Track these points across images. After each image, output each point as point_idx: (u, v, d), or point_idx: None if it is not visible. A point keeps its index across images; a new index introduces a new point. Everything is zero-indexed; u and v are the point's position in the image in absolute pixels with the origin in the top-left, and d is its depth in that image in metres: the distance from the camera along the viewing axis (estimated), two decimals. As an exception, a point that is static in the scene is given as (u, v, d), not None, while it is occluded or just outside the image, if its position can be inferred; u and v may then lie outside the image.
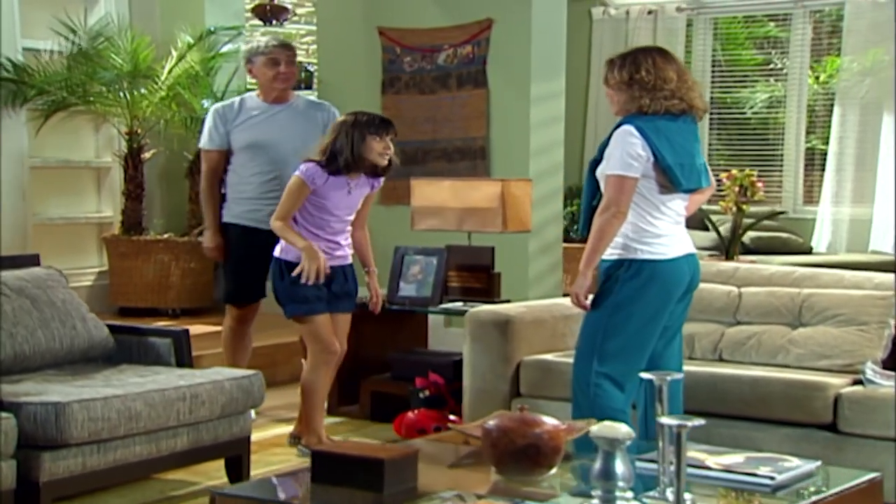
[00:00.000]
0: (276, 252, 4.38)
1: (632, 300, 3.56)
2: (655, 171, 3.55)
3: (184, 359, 4.06)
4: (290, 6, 7.46)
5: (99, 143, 7.23)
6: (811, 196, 8.55)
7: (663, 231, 3.58)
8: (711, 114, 8.85)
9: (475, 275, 5.13)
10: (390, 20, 6.72)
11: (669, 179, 3.55)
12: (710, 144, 8.87)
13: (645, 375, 2.68)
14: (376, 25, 6.76)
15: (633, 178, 3.51)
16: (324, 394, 4.42)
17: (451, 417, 4.49)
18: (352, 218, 4.41)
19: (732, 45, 9.07)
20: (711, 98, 8.85)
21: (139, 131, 6.87)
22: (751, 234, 7.51)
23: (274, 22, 7.42)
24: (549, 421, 2.77)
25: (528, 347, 4.30)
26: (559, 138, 6.54)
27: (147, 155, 6.96)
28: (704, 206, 4.82)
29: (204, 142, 5.03)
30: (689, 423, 2.50)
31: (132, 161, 6.87)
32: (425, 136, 6.67)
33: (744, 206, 5.01)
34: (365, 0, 6.82)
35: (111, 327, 4.15)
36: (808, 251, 7.98)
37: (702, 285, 4.34)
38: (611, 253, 3.60)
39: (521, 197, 5.10)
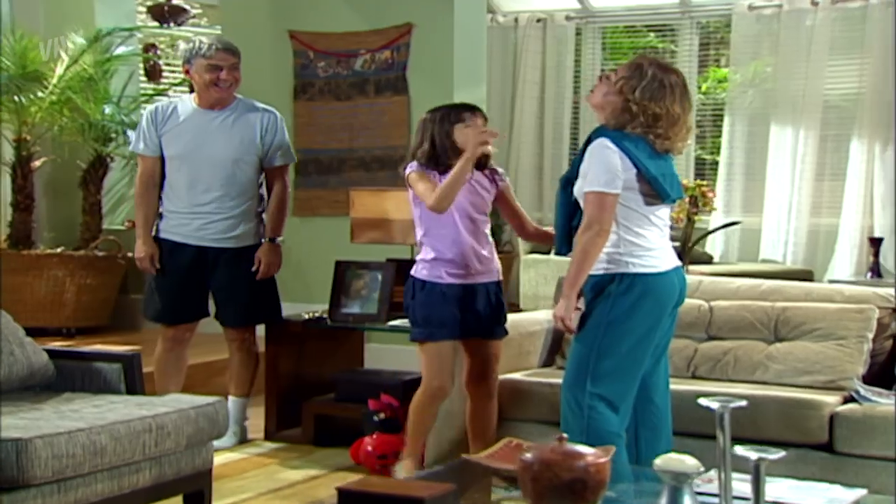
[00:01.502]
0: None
1: (626, 317, 3.39)
2: (639, 182, 3.41)
3: (136, 385, 3.70)
4: (188, 7, 7.08)
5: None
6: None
7: (654, 244, 3.45)
8: (601, 124, 8.87)
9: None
10: (302, 23, 6.44)
11: (655, 190, 3.42)
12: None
13: (703, 402, 2.52)
14: (287, 28, 6.48)
15: (614, 195, 3.36)
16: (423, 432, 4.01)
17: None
18: (482, 219, 3.96)
19: (619, 55, 9.12)
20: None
21: (28, 138, 6.38)
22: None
23: (172, 24, 7.03)
24: (588, 451, 2.58)
25: (502, 366, 4.10)
26: (481, 148, 6.37)
27: (37, 163, 6.48)
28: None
29: (133, 145, 4.70)
30: (770, 456, 2.35)
31: (21, 170, 6.38)
32: (341, 144, 6.43)
33: (695, 217, 4.96)
34: (274, 2, 6.52)
35: (50, 352, 3.76)
36: (709, 261, 8.06)
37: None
38: (598, 267, 3.44)
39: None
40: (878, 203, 7.64)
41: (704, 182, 5.22)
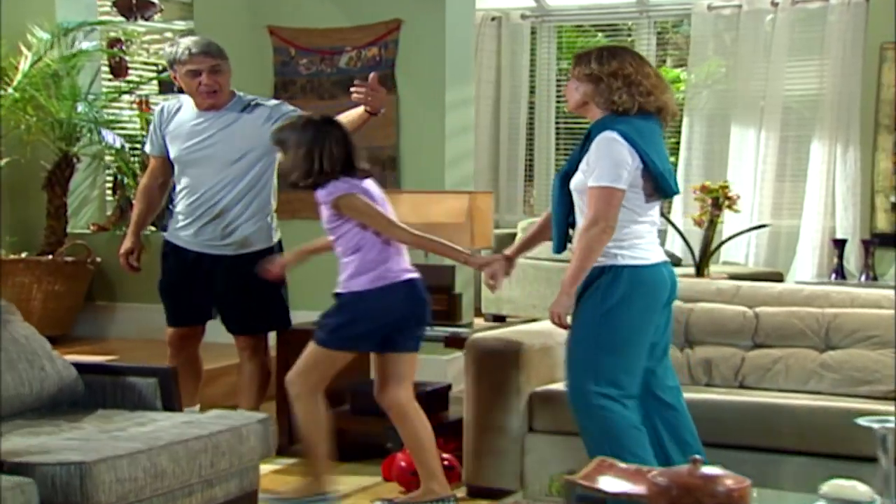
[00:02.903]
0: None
1: (619, 307, 3.32)
2: (644, 178, 3.34)
3: (172, 401, 3.45)
4: (156, 1, 6.76)
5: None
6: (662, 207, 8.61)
7: (643, 237, 3.38)
8: (557, 124, 8.81)
9: (435, 297, 4.69)
10: (283, 19, 6.19)
11: (657, 186, 3.35)
12: (558, 154, 8.81)
13: (861, 422, 2.38)
14: (266, 24, 6.21)
15: (622, 190, 3.29)
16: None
17: (445, 456, 4.04)
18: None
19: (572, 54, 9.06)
20: (557, 108, 8.80)
21: (-9, 137, 6.03)
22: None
23: (138, 18, 6.70)
24: (724, 474, 2.43)
25: (537, 378, 3.94)
26: (470, 148, 6.21)
27: (0, 163, 6.11)
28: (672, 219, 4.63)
29: (145, 144, 4.45)
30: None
31: (-16, 171, 6.02)
32: (325, 144, 6.17)
33: (717, 220, 4.87)
34: (252, -5, 6.26)
35: (78, 366, 3.48)
36: (678, 263, 8.02)
37: (711, 305, 4.17)
38: (598, 259, 3.36)
39: (486, 211, 4.74)
40: (839, 204, 7.69)
41: (728, 182, 5.12)
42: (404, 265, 3.82)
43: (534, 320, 4.90)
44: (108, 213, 6.86)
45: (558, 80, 8.78)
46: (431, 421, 4.27)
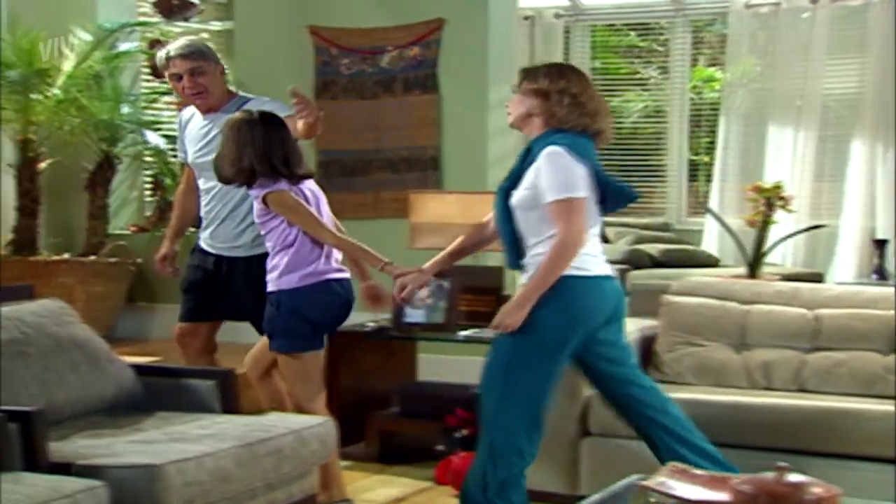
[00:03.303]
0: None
1: (548, 316, 3.24)
2: (589, 188, 3.31)
3: (232, 404, 3.43)
4: (197, 2, 6.75)
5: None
6: (695, 207, 8.56)
7: (586, 248, 3.31)
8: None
9: (482, 298, 4.68)
10: (324, 18, 6.17)
11: (603, 198, 3.33)
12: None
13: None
14: (307, 24, 6.19)
15: (583, 197, 3.26)
16: None
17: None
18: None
19: (609, 53, 9.00)
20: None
21: (34, 139, 6.01)
22: (659, 246, 7.41)
23: (179, 19, 6.69)
24: (813, 481, 2.38)
25: (591, 381, 3.90)
26: (512, 148, 6.16)
27: (43, 165, 6.11)
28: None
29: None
30: None
31: (26, 172, 6.00)
32: (367, 144, 6.16)
33: (771, 220, 4.82)
34: (293, -5, 6.25)
35: (137, 368, 3.46)
36: (715, 264, 7.96)
37: (769, 307, 4.11)
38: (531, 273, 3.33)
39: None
40: (880, 204, 7.61)
41: (782, 183, 5.05)
42: (334, 264, 3.82)
43: None
44: (148, 213, 6.86)
45: (592, 80, 8.72)
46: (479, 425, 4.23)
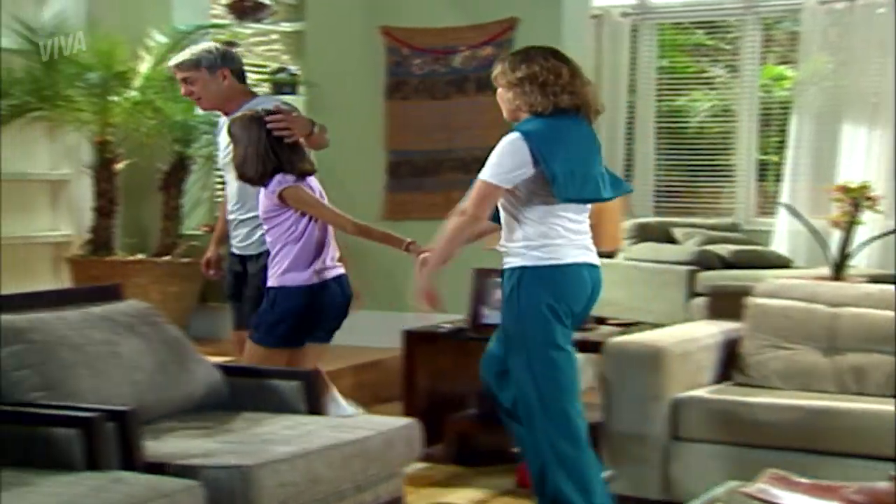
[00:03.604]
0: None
1: (531, 308, 3.40)
2: (543, 179, 3.39)
3: (315, 405, 3.43)
4: (270, 3, 6.78)
5: (55, 154, 6.39)
6: (764, 207, 8.44)
7: (558, 237, 3.44)
8: (658, 124, 8.68)
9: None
10: (396, 19, 6.17)
11: (552, 189, 3.38)
12: (657, 155, 8.68)
13: None
14: (379, 24, 6.20)
15: (501, 189, 3.40)
16: None
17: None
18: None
19: (677, 52, 8.91)
20: (657, 107, 8.68)
21: (111, 140, 6.07)
22: (729, 247, 7.30)
23: (251, 20, 6.73)
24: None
25: (677, 383, 3.85)
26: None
27: (120, 166, 6.17)
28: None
29: None
30: None
31: (104, 173, 6.06)
32: (438, 144, 6.15)
33: (857, 221, 4.73)
34: (365, -4, 6.26)
35: (222, 368, 3.48)
36: (787, 265, 7.84)
37: (859, 310, 4.02)
38: (510, 262, 3.49)
39: (615, 211, 4.66)
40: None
41: (868, 182, 4.95)
42: (332, 262, 3.92)
43: (636, 323, 4.84)
44: (218, 214, 6.90)
45: (658, 80, 8.67)
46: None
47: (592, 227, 4.51)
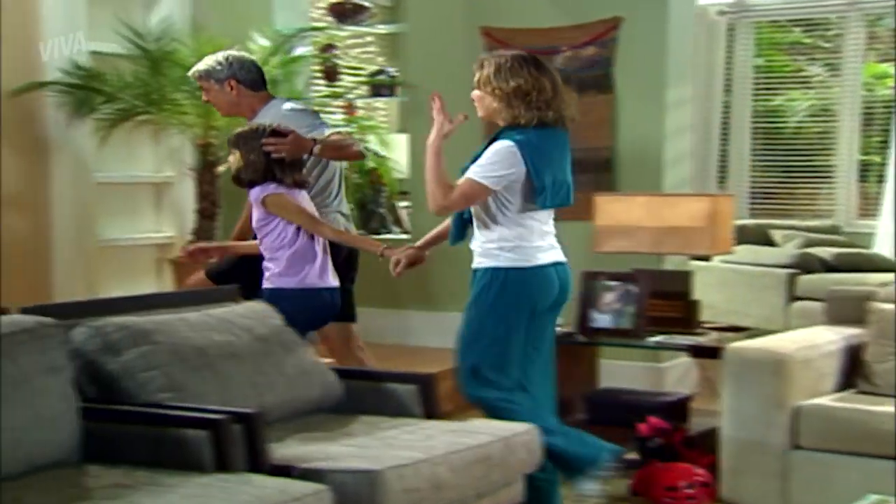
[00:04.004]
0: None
1: (496, 306, 3.58)
2: (526, 187, 3.58)
3: (434, 408, 3.39)
4: (370, 5, 6.79)
5: (159, 157, 6.46)
6: (866, 209, 8.23)
7: (528, 239, 3.62)
8: (754, 124, 8.52)
9: (671, 303, 4.56)
10: (497, 19, 6.12)
11: (535, 197, 3.59)
12: (753, 156, 8.52)
13: None
14: (479, 25, 6.15)
15: (488, 190, 3.56)
16: None
17: (699, 472, 3.88)
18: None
19: (774, 50, 8.73)
20: (753, 107, 8.52)
21: (214, 143, 6.12)
22: (830, 250, 7.12)
23: (351, 22, 6.74)
24: None
25: (800, 390, 3.74)
26: (688, 149, 6.02)
27: (222, 168, 6.22)
28: None
29: None
30: None
31: (206, 176, 6.11)
32: (538, 146, 6.07)
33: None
34: (466, -2, 6.22)
35: (338, 371, 3.46)
36: (893, 268, 7.62)
37: None
38: (481, 262, 3.65)
39: (727, 214, 4.56)
40: None
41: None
42: (325, 273, 4.06)
43: (738, 328, 4.74)
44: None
45: (755, 79, 8.52)
46: (673, 434, 4.12)
47: (704, 230, 4.48)
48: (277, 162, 3.99)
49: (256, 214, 4.07)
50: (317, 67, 6.86)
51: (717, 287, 6.78)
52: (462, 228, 3.72)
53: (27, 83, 5.48)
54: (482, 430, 3.17)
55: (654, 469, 3.94)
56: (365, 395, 3.45)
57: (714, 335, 4.51)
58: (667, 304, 4.57)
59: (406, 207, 6.94)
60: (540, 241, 3.65)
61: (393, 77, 6.71)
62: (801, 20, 8.63)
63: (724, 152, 8.58)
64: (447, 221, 3.91)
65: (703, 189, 8.40)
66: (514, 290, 3.57)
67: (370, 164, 6.90)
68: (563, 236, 5.84)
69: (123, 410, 2.76)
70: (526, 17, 6.04)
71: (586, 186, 5.92)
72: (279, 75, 6.25)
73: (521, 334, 3.62)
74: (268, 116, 4.39)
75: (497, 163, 3.54)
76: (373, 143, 7.07)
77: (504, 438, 3.13)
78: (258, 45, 6.23)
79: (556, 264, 3.68)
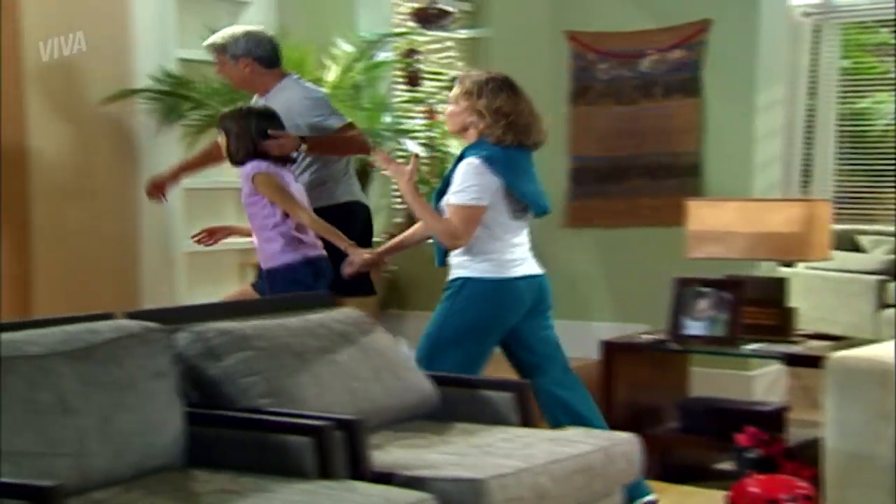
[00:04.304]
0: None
1: (461, 313, 3.71)
2: (506, 199, 3.72)
3: (529, 417, 3.35)
4: (454, 10, 6.77)
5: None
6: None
7: (498, 252, 3.74)
8: (840, 128, 8.34)
9: (765, 310, 4.46)
10: (582, 23, 6.06)
11: (524, 206, 3.75)
12: (838, 160, 8.34)
13: None
14: (564, 29, 6.10)
15: (483, 207, 3.67)
16: None
17: (801, 484, 3.78)
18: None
19: (861, 52, 8.55)
20: (839, 110, 8.34)
21: (300, 147, 6.15)
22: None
23: (434, 28, 6.73)
24: None
25: (906, 401, 3.62)
26: (778, 153, 5.91)
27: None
28: None
29: None
30: None
31: (295, 180, 6.15)
32: (623, 151, 6.01)
33: None
34: (553, 2, 6.17)
35: (434, 378, 3.43)
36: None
37: None
38: (455, 273, 3.80)
39: (824, 220, 4.46)
40: None
41: None
42: (313, 242, 4.25)
43: (826, 336, 4.64)
44: (398, 220, 6.92)
45: (840, 81, 8.34)
46: (773, 445, 4.03)
47: (801, 235, 4.38)
48: (253, 141, 4.20)
49: (245, 189, 4.25)
50: (399, 72, 6.87)
51: (804, 294, 6.64)
52: (445, 251, 3.83)
53: (119, 90, 5.54)
54: (581, 440, 3.12)
55: (754, 481, 3.85)
56: (460, 401, 3.42)
57: (810, 343, 4.41)
58: (760, 311, 4.48)
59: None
60: (512, 254, 3.77)
61: (476, 82, 6.67)
62: (888, 21, 8.43)
63: (808, 156, 8.42)
64: (413, 228, 4.07)
65: (786, 194, 8.27)
66: (482, 301, 3.69)
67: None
68: (651, 242, 5.87)
69: (227, 416, 2.76)
70: (612, 21, 5.97)
71: (672, 191, 5.90)
72: (362, 81, 6.27)
73: (488, 345, 3.76)
74: (283, 97, 4.55)
75: (472, 180, 3.66)
76: (454, 147, 7.06)
77: (604, 448, 3.08)
78: (342, 50, 6.26)
79: (530, 277, 3.79)
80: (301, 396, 2.91)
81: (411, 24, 6.87)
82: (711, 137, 5.78)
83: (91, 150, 5.29)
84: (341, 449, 2.66)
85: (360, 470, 2.67)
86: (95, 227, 5.46)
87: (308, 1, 6.61)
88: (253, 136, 4.21)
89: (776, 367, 5.40)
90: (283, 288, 4.11)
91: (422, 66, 6.94)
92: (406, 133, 6.37)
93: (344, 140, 4.61)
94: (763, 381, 5.60)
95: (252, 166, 4.18)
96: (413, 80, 6.85)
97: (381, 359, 3.25)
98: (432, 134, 6.75)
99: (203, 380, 2.87)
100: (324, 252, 4.24)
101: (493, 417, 3.35)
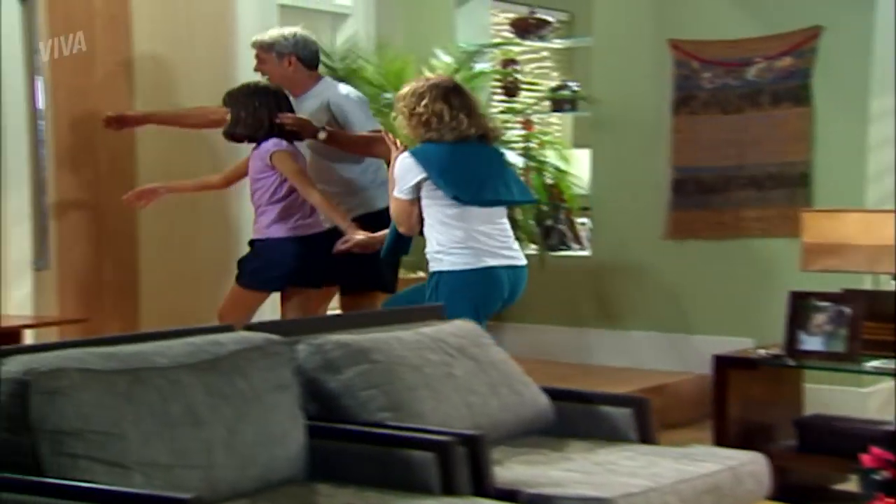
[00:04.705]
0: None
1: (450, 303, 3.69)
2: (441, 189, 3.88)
3: (649, 433, 3.25)
4: (552, 20, 6.71)
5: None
6: None
7: (469, 243, 3.86)
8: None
9: (885, 325, 4.29)
10: (686, 31, 5.94)
11: (447, 194, 3.86)
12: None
13: None
14: (668, 38, 5.99)
15: (406, 200, 3.92)
16: None
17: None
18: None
19: None
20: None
21: (397, 157, 6.12)
22: None
23: (534, 37, 6.67)
24: None
25: None
26: (891, 163, 5.72)
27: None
28: None
29: None
30: None
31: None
32: (728, 160, 5.87)
33: None
34: (656, 11, 6.06)
35: (549, 392, 3.35)
36: None
37: None
38: (431, 267, 3.94)
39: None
40: None
41: None
42: (315, 220, 4.44)
43: None
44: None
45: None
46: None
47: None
48: (269, 118, 4.34)
49: (257, 166, 4.38)
50: (496, 83, 6.81)
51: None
52: (392, 243, 4.06)
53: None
54: (707, 458, 3.01)
55: None
56: (576, 416, 3.33)
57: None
58: (880, 326, 4.31)
59: (583, 224, 6.82)
60: (483, 244, 3.89)
61: (575, 91, 6.60)
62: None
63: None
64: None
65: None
66: (456, 293, 3.80)
67: (548, 180, 6.79)
68: (755, 254, 5.72)
69: (349, 429, 2.72)
70: (717, 29, 5.85)
71: (780, 202, 5.75)
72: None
73: None
74: (324, 96, 4.67)
75: (400, 175, 3.94)
76: (552, 157, 6.98)
77: (731, 468, 2.97)
78: (441, 61, 6.22)
79: (508, 267, 3.90)
80: (420, 410, 2.85)
81: (508, 34, 6.84)
82: (821, 147, 5.62)
83: (193, 160, 5.32)
84: (464, 465, 2.60)
85: (483, 486, 2.61)
86: (197, 238, 5.49)
87: (407, 12, 6.60)
88: (270, 111, 4.36)
89: (890, 384, 5.21)
90: (265, 259, 4.35)
91: (519, 76, 6.88)
92: (504, 144, 6.30)
93: (365, 139, 4.68)
94: (877, 398, 5.41)
95: (273, 143, 4.33)
96: (511, 90, 6.79)
97: (496, 372, 3.18)
98: (530, 144, 6.68)
99: (322, 392, 2.82)
100: (323, 228, 4.41)
101: (610, 433, 3.26)
